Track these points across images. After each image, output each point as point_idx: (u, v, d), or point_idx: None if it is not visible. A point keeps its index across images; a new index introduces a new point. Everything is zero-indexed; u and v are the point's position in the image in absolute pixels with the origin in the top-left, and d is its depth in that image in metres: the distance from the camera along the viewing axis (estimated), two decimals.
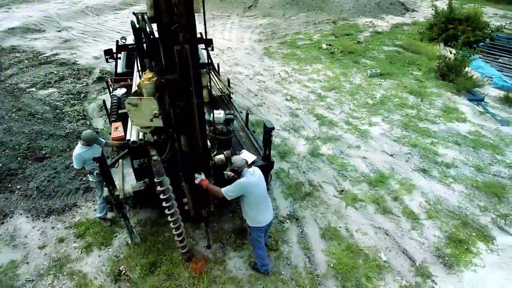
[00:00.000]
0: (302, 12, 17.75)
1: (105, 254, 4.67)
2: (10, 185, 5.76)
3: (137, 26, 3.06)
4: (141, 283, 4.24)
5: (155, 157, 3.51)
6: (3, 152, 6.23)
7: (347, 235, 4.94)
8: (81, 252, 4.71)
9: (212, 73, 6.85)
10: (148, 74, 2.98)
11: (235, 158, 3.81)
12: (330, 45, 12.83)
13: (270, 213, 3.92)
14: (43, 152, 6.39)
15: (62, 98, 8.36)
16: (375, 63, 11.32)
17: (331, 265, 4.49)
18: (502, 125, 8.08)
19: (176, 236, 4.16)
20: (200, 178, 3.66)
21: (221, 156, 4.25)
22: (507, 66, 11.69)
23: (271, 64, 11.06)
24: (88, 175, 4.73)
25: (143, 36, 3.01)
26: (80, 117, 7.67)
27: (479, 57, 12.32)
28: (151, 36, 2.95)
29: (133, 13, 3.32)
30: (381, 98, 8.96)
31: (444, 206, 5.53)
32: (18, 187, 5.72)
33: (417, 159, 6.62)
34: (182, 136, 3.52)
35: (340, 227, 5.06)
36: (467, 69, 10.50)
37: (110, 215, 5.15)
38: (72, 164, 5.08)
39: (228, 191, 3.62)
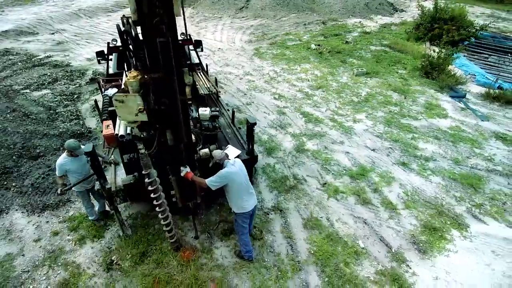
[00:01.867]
0: (293, 13, 18.07)
1: (97, 246, 4.90)
2: (5, 182, 5.96)
3: (123, 29, 3.30)
4: (132, 271, 4.48)
5: (142, 151, 3.75)
6: None
7: (328, 225, 5.21)
8: (75, 244, 4.94)
9: (201, 72, 7.13)
10: (133, 73, 3.23)
11: (215, 152, 4.08)
12: (319, 45, 13.14)
13: (253, 199, 4.19)
14: (38, 150, 6.59)
15: (56, 99, 8.56)
16: (362, 63, 11.64)
17: (312, 252, 4.77)
18: (482, 120, 8.41)
19: (165, 226, 4.40)
20: (185, 171, 3.92)
21: (205, 150, 4.51)
22: (492, 63, 12.07)
23: (260, 64, 11.33)
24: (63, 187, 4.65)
25: (128, 38, 3.26)
26: (73, 117, 7.87)
27: (464, 56, 12.72)
28: (136, 38, 3.20)
29: (121, 17, 3.56)
30: (366, 96, 9.27)
31: (421, 196, 5.83)
32: (13, 184, 5.93)
33: (398, 153, 6.92)
34: (167, 131, 3.79)
35: (321, 217, 5.34)
36: (450, 67, 10.87)
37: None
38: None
39: (211, 182, 3.88)
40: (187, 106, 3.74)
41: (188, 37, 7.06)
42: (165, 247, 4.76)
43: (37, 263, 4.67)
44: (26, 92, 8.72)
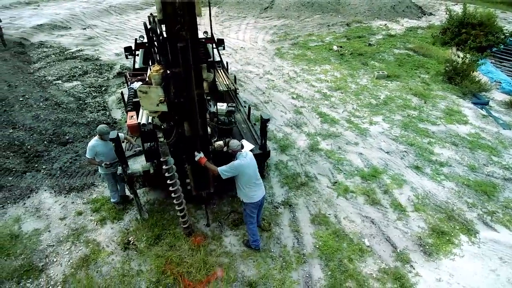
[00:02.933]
0: (317, 14, 18.10)
1: (117, 227, 5.27)
2: (36, 165, 6.48)
3: (149, 26, 3.59)
4: (146, 251, 4.80)
5: (161, 139, 4.05)
6: (31, 136, 6.98)
7: (335, 222, 5.34)
8: (96, 224, 5.33)
9: (221, 70, 7.40)
10: (156, 67, 3.52)
11: (232, 142, 4.31)
12: (341, 47, 13.15)
13: (261, 191, 4.40)
14: (67, 137, 7.09)
15: (85, 91, 9.11)
16: (384, 65, 11.57)
17: (317, 246, 4.92)
18: (504, 128, 8.22)
19: (179, 212, 4.70)
20: (199, 156, 4.19)
21: (220, 142, 4.76)
22: None
23: (281, 64, 11.51)
24: (98, 166, 5.22)
25: (153, 35, 3.55)
26: (101, 108, 8.37)
27: (491, 62, 12.36)
28: (160, 35, 3.48)
29: (148, 16, 3.86)
30: (385, 99, 9.25)
31: (432, 200, 5.84)
32: (43, 167, 6.43)
33: (412, 157, 6.91)
34: (185, 122, 4.08)
35: (329, 214, 5.47)
36: (475, 73, 10.62)
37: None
38: None
39: (223, 170, 4.13)
40: (204, 100, 3.99)
41: (211, 36, 7.35)
42: (178, 232, 5.05)
43: (61, 239, 5.09)
44: (58, 83, 9.34)
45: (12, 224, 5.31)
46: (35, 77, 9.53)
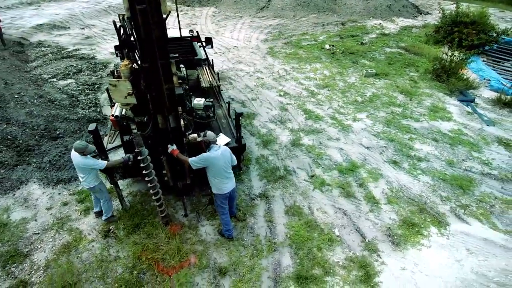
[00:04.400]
0: (313, 13, 18.26)
1: (103, 218, 5.51)
2: (27, 158, 6.75)
3: (118, 24, 3.82)
4: (125, 239, 5.04)
5: (134, 131, 4.28)
6: (24, 131, 7.26)
7: (308, 213, 5.53)
8: (80, 214, 5.58)
9: (206, 67, 7.63)
10: (125, 62, 3.75)
11: (209, 133, 4.50)
12: (332, 45, 13.30)
13: (231, 183, 4.60)
14: (57, 132, 7.37)
15: (78, 88, 9.40)
16: (374, 64, 11.71)
17: (289, 236, 5.11)
18: (488, 125, 8.32)
19: (156, 201, 4.93)
20: (171, 148, 4.43)
21: (194, 135, 4.96)
22: (510, 69, 11.72)
23: (272, 63, 11.71)
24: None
25: (122, 32, 3.77)
26: (92, 105, 8.65)
27: (483, 60, 12.44)
28: (128, 32, 3.71)
29: (118, 15, 4.08)
30: (371, 96, 9.40)
31: (405, 194, 5.99)
32: (34, 160, 6.71)
33: (391, 152, 7.07)
34: (158, 115, 4.31)
35: (303, 206, 5.66)
36: (464, 71, 10.72)
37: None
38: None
39: (193, 161, 4.34)
40: (174, 93, 4.21)
41: (196, 35, 7.60)
42: (157, 222, 5.27)
43: (46, 227, 5.34)
44: (53, 81, 9.64)
45: (1, 213, 5.58)
46: (31, 75, 9.85)
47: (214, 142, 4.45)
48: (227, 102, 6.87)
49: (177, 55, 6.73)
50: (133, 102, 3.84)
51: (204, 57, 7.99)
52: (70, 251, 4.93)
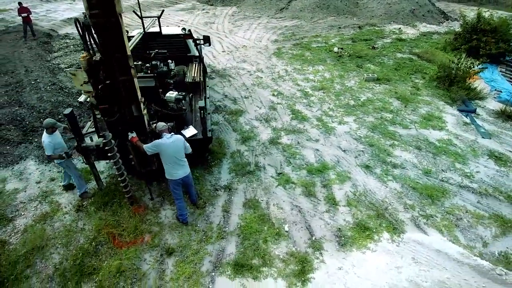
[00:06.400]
0: (332, 16, 18.13)
1: (78, 193, 6.13)
2: (31, 138, 7.58)
3: (80, 20, 4.29)
4: (93, 214, 5.59)
5: (98, 116, 4.78)
6: (31, 114, 8.14)
7: (264, 207, 5.76)
8: (63, 189, 6.23)
9: (196, 64, 8.06)
10: (84, 54, 4.25)
11: (159, 124, 4.94)
12: (341, 48, 13.23)
13: (182, 171, 4.98)
14: (60, 117, 8.15)
15: None
16: (378, 69, 11.53)
17: (240, 226, 5.39)
18: (483, 137, 8.00)
19: (121, 183, 5.42)
20: (131, 135, 4.88)
21: (161, 124, 5.34)
22: None
23: (275, 63, 11.92)
24: (58, 159, 5.55)
25: (82, 28, 4.25)
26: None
27: (500, 71, 11.80)
28: (87, 29, 4.18)
29: (83, 12, 4.58)
30: (365, 101, 9.34)
31: (368, 198, 6.02)
32: (35, 140, 7.51)
33: (367, 157, 7.07)
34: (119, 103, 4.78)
35: (262, 200, 5.90)
36: (474, 79, 10.29)
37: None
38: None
39: (146, 147, 4.77)
40: (133, 84, 4.64)
41: (189, 33, 8.06)
42: (124, 202, 5.77)
43: (32, 198, 6.04)
44: (68, 70, 10.56)
45: None
46: (50, 64, 10.87)
47: (166, 131, 4.85)
48: (208, 98, 7.26)
49: (165, 51, 7.28)
50: (88, 90, 4.33)
51: (197, 54, 8.42)
52: (46, 220, 5.57)
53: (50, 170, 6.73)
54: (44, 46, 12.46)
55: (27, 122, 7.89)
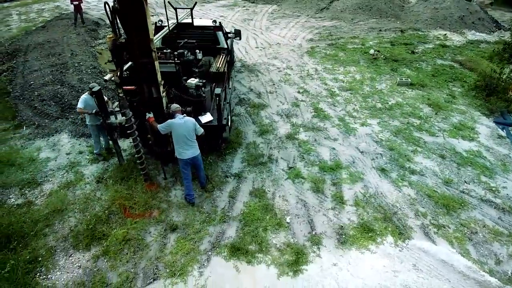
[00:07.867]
0: (374, 18, 17.60)
1: (101, 166, 6.61)
2: (67, 114, 8.28)
3: (109, 4, 4.65)
4: (111, 186, 6.01)
5: (121, 94, 5.15)
6: (71, 93, 8.88)
7: (270, 197, 5.83)
8: (88, 162, 6.76)
9: (223, 56, 8.30)
10: (110, 35, 4.61)
11: (172, 105, 5.21)
12: (378, 51, 12.83)
13: (191, 151, 5.22)
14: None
15: None
16: (414, 73, 11.05)
17: (243, 213, 5.51)
18: None
19: (138, 159, 5.78)
20: (148, 115, 5.20)
21: (174, 105, 5.62)
22: None
23: (306, 62, 11.87)
24: (86, 115, 6.34)
25: (110, 12, 4.60)
26: None
27: None
28: (115, 12, 4.53)
29: None
30: (393, 104, 9.02)
31: (377, 200, 5.86)
32: (71, 116, 8.19)
33: (384, 160, 6.85)
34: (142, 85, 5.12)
35: (269, 191, 5.97)
36: None
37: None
38: None
39: (160, 127, 5.07)
40: (154, 66, 4.94)
41: (219, 25, 8.34)
42: (140, 179, 6.14)
43: (60, 167, 6.62)
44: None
45: (34, 151, 7.05)
46: (94, 50, 11.71)
47: (179, 112, 5.11)
48: (232, 89, 7.46)
49: (194, 41, 7.58)
50: (112, 68, 4.69)
51: (225, 46, 8.66)
52: (69, 187, 6.09)
53: (80, 144, 7.31)
54: (91, 33, 13.46)
55: (66, 100, 8.63)
